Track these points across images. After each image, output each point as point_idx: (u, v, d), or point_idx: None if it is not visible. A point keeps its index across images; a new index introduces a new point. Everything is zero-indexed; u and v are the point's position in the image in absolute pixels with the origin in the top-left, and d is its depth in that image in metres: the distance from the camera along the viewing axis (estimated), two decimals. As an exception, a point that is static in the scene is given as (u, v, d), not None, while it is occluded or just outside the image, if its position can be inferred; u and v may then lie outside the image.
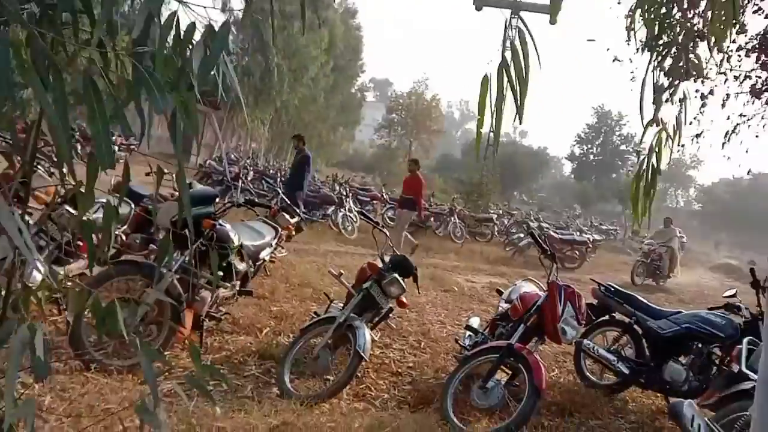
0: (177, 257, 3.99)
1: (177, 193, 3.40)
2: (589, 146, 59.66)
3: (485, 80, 1.52)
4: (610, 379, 5.30)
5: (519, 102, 1.50)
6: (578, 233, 17.90)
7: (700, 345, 4.83)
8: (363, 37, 45.34)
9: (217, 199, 4.76)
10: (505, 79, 1.48)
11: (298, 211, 8.01)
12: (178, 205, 3.53)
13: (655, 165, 2.45)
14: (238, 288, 4.78)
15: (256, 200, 6.43)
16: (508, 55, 1.48)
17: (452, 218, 17.02)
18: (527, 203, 48.04)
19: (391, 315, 4.88)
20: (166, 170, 1.62)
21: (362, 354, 3.98)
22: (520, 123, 1.60)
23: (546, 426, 4.21)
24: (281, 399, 3.84)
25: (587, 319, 5.04)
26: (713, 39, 2.72)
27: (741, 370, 3.57)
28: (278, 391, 3.97)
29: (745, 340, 3.80)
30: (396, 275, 4.47)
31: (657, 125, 2.51)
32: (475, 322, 5.32)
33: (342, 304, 4.81)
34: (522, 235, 15.75)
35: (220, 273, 4.32)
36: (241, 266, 4.66)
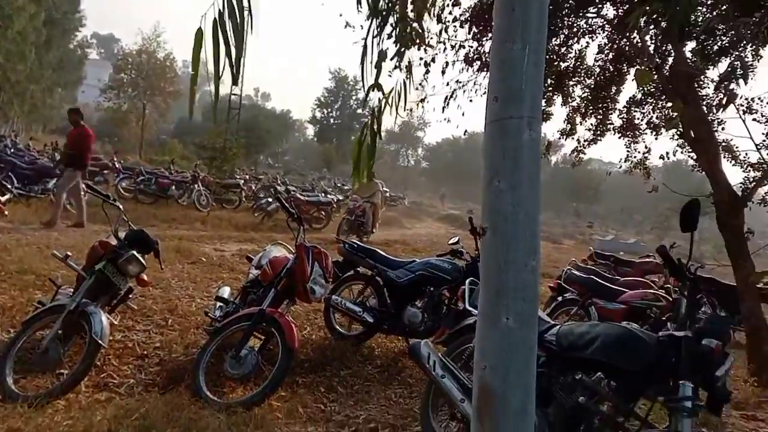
0: None
1: None
2: (329, 110, 61.95)
3: (199, 34, 1.42)
4: (357, 330, 5.66)
5: (234, 60, 1.43)
6: (323, 194, 18.61)
7: (432, 288, 5.40)
8: (81, -13, 40.39)
9: None
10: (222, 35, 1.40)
11: (9, 186, 6.87)
12: None
13: (376, 129, 2.59)
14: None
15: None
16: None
17: (196, 186, 16.35)
18: (274, 167, 48.45)
19: (131, 295, 4.52)
20: None
21: (99, 341, 3.63)
22: (234, 83, 1.54)
23: (300, 383, 4.34)
24: (4, 404, 3.34)
25: (334, 276, 5.29)
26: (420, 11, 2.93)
27: (465, 308, 4.04)
28: (-1, 396, 3.43)
29: (467, 281, 4.31)
30: (134, 252, 4.14)
31: (378, 90, 2.64)
32: (225, 291, 5.20)
33: (72, 290, 4.31)
34: (270, 200, 15.81)
35: None
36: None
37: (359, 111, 59.77)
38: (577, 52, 7.49)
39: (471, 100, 7.54)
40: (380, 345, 5.68)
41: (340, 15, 7.09)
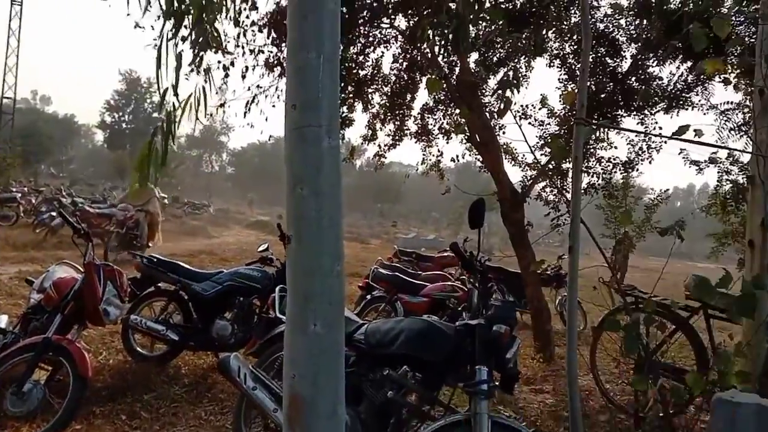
0: None
1: None
2: (121, 114, 57.69)
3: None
4: (161, 350, 5.32)
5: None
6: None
7: (241, 299, 5.27)
8: None
9: None
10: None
11: None
12: None
13: (169, 133, 2.47)
14: None
15: None
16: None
17: (-40, 202, 14.24)
18: (58, 177, 44.03)
19: None
20: None
21: None
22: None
23: (98, 413, 3.97)
24: None
25: (132, 295, 4.92)
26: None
27: (276, 316, 3.99)
28: None
29: (277, 288, 4.25)
30: None
31: (174, 94, 2.52)
32: (2, 320, 4.59)
33: None
34: (53, 214, 14.26)
35: None
36: None
37: (155, 115, 56.48)
38: (374, 60, 7.80)
39: (274, 106, 7.48)
40: (188, 363, 5.40)
41: (128, 15, 6.61)
